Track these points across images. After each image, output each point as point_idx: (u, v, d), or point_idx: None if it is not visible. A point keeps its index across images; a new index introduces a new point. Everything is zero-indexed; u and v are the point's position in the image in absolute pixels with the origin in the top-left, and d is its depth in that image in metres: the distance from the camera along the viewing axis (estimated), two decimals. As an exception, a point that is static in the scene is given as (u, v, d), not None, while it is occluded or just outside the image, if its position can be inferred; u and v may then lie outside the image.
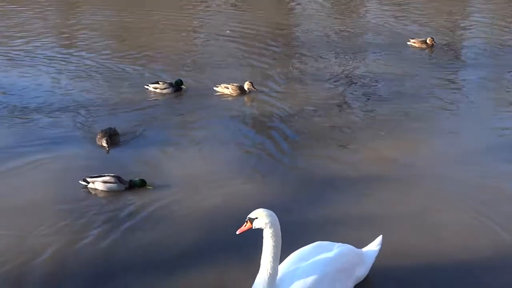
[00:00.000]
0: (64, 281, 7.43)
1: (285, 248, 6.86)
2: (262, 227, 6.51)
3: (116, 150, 11.26)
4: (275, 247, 6.49)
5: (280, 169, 10.56)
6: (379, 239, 7.33)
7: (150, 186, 9.74)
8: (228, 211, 8.83)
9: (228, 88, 14.60)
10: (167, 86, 14.55)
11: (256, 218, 6.51)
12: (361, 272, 7.11)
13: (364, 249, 7.32)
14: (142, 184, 9.71)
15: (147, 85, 14.69)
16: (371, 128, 12.40)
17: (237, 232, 6.69)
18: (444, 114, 13.32)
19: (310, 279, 6.56)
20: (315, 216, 8.80)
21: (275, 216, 6.55)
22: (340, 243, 7.09)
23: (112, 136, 11.29)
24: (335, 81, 15.37)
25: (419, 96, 14.24)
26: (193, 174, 10.30)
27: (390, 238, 7.63)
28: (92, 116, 13.01)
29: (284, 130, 12.35)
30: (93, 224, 8.65)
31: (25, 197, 9.34)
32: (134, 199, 9.44)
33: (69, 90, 14.63)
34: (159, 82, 14.66)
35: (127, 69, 16.33)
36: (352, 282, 6.99)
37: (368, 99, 14.15)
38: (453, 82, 15.62)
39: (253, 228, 6.55)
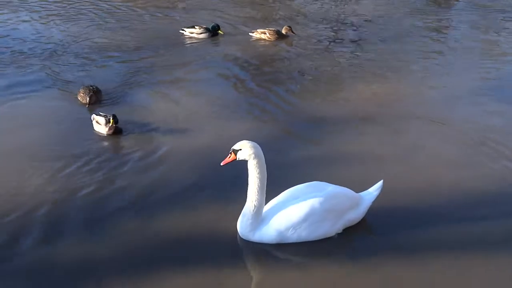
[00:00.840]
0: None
1: (280, 188, 6.91)
2: (246, 159, 6.49)
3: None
4: (259, 178, 6.51)
5: (274, 110, 10.41)
6: (379, 184, 7.04)
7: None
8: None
9: (265, 33, 14.26)
10: (203, 31, 14.22)
11: (240, 149, 6.50)
12: (354, 215, 6.91)
13: (362, 193, 7.07)
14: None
15: (183, 29, 14.36)
16: (360, 69, 12.37)
17: (221, 164, 6.66)
18: (431, 56, 13.26)
19: (295, 215, 6.58)
20: (308, 156, 8.65)
21: (259, 147, 6.53)
22: (336, 185, 6.94)
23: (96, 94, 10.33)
24: (325, 24, 15.50)
25: (406, 39, 14.32)
26: (198, 113, 10.15)
27: (382, 176, 7.43)
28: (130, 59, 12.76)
29: (275, 74, 12.20)
30: (92, 170, 8.29)
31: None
32: (132, 143, 9.12)
33: (107, 37, 14.32)
34: (195, 27, 14.32)
35: (158, 14, 15.96)
36: (342, 224, 6.82)
37: (356, 42, 14.10)
38: (443, 26, 15.67)
39: (237, 159, 6.54)
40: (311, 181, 7.03)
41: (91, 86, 10.31)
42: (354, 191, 7.08)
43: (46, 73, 11.70)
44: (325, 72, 12.29)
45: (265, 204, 6.74)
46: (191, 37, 14.21)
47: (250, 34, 14.41)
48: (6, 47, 13.15)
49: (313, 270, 6.39)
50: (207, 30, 14.27)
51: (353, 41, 14.22)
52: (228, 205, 7.26)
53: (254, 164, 6.48)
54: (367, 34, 14.81)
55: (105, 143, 9.07)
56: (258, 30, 14.42)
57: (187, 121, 9.73)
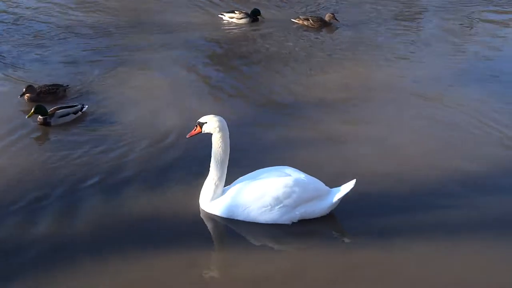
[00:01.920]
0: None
1: (247, 169, 6.93)
2: (211, 132, 6.55)
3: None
4: (222, 152, 6.57)
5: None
6: (351, 183, 6.61)
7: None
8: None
9: (308, 20, 13.69)
10: (243, 16, 13.71)
11: (206, 122, 6.56)
12: (315, 208, 6.63)
13: (333, 189, 6.73)
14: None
15: (222, 14, 13.87)
16: (334, 54, 12.22)
17: (187, 136, 6.79)
18: (404, 41, 13.04)
19: (247, 194, 6.56)
20: (279, 139, 8.52)
21: (224, 121, 6.59)
22: (306, 174, 6.71)
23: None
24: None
25: (381, 24, 14.12)
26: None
27: (356, 160, 7.68)
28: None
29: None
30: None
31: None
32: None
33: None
34: (235, 12, 13.81)
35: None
36: (299, 214, 6.59)
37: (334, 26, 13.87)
38: (417, 12, 15.38)
39: (203, 132, 6.61)
40: (280, 164, 6.91)
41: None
42: (327, 177, 6.90)
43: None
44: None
45: (234, 181, 6.80)
46: (230, 22, 13.72)
47: (292, 20, 13.85)
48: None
49: (276, 253, 6.35)
50: (247, 15, 13.76)
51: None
52: (197, 182, 6.99)
53: (218, 138, 6.54)
54: (345, 18, 14.30)
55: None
56: (300, 16, 13.86)
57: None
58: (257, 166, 6.96)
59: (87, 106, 9.09)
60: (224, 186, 6.79)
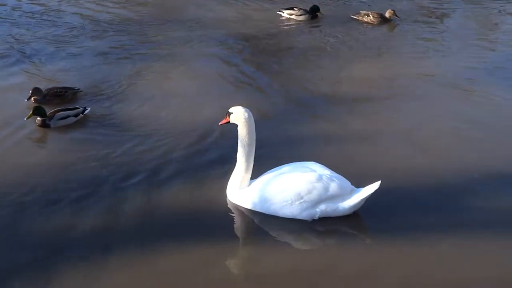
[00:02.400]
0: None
1: (275, 162, 6.93)
2: (237, 123, 6.64)
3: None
4: (247, 144, 6.64)
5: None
6: (376, 184, 6.43)
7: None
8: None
9: (368, 16, 13.46)
10: (303, 13, 13.60)
11: (232, 112, 6.66)
12: (336, 206, 6.50)
13: (358, 188, 6.59)
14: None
15: (281, 11, 13.78)
16: (356, 50, 12.05)
17: (219, 124, 6.92)
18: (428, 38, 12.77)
19: (269, 187, 6.58)
20: (304, 135, 8.42)
21: (250, 113, 6.63)
22: (331, 171, 6.62)
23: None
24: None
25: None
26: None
27: (383, 157, 7.68)
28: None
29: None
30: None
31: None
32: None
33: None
34: (294, 8, 13.71)
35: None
36: (321, 210, 6.50)
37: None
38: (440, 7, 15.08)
39: (230, 122, 6.72)
40: (307, 160, 6.88)
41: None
42: (354, 174, 6.87)
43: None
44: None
45: (264, 174, 6.82)
46: (289, 19, 13.62)
47: (352, 16, 13.65)
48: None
49: (301, 249, 6.32)
50: (306, 11, 13.64)
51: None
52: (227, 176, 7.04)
53: (243, 129, 6.61)
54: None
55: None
56: (361, 12, 13.64)
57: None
58: (285, 161, 6.89)
59: (89, 109, 8.86)
60: (251, 179, 6.76)
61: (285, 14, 13.69)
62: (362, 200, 6.48)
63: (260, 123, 7.17)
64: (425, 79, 10.48)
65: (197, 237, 6.31)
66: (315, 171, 6.58)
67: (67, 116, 8.64)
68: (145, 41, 12.23)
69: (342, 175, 6.65)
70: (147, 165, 7.56)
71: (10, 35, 12.28)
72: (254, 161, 6.74)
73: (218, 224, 6.54)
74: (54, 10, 13.98)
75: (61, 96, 9.34)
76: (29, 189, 6.97)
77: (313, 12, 13.65)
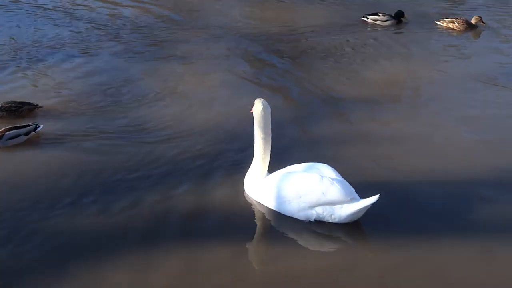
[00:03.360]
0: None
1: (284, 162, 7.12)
2: (254, 115, 6.83)
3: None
4: (261, 137, 6.84)
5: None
6: (374, 197, 6.37)
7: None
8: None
9: (453, 23, 13.47)
10: (388, 18, 13.69)
11: (254, 104, 6.87)
12: (333, 212, 6.52)
13: (360, 198, 6.55)
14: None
15: (365, 17, 13.89)
16: (374, 52, 12.17)
17: (250, 111, 6.99)
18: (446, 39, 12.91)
19: (271, 183, 6.78)
20: (321, 136, 8.59)
21: (266, 106, 6.80)
22: (338, 176, 6.68)
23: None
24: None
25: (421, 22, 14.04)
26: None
27: (398, 159, 7.80)
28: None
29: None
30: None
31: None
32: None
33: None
34: (379, 14, 13.80)
35: None
36: (317, 213, 6.56)
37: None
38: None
39: (251, 112, 6.91)
40: (322, 161, 6.99)
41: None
42: (368, 176, 7.16)
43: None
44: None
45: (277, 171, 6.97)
46: (374, 25, 13.72)
47: (436, 22, 13.69)
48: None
49: (316, 250, 6.42)
50: (391, 17, 13.73)
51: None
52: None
53: (256, 120, 6.81)
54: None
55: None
56: (445, 19, 13.67)
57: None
58: (300, 161, 7.04)
59: (42, 126, 8.35)
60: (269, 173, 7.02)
61: (370, 19, 13.80)
62: (358, 210, 6.45)
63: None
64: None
65: (211, 237, 6.38)
66: (320, 173, 6.64)
67: (18, 135, 8.17)
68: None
69: (355, 179, 6.78)
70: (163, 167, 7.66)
71: (13, 38, 12.32)
72: (272, 157, 6.96)
73: (232, 224, 6.61)
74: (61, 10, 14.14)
75: (15, 112, 8.87)
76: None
77: (398, 18, 13.74)
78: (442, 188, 7.28)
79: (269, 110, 6.82)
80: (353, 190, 6.57)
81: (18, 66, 10.81)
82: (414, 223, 6.70)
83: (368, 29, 13.56)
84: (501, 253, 6.27)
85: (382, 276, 5.97)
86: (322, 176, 6.54)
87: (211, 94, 9.87)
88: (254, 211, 6.91)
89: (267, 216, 6.83)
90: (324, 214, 6.54)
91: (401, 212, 6.86)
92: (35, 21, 13.37)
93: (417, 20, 14.10)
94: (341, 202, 6.46)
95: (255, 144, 6.92)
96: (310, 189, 6.52)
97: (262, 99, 6.87)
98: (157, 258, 6.10)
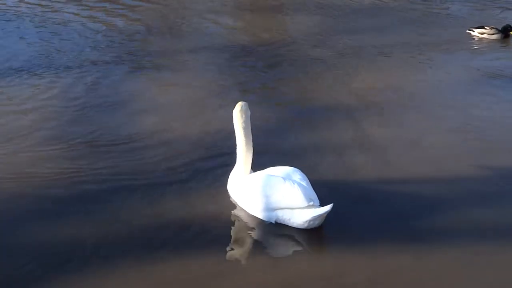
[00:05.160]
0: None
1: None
2: (234, 118, 7.02)
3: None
4: (244, 140, 7.00)
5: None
6: (327, 207, 6.40)
7: None
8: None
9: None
10: (495, 32, 13.21)
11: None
12: (292, 216, 6.58)
13: (318, 206, 6.55)
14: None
15: (471, 30, 13.47)
16: (357, 58, 12.01)
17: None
18: (424, 48, 12.59)
19: (247, 184, 6.90)
20: (307, 142, 8.58)
21: (245, 108, 6.96)
22: (302, 182, 6.71)
23: None
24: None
25: (402, 29, 13.88)
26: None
27: (388, 164, 7.88)
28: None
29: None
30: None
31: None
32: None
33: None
34: (485, 27, 13.35)
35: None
36: (277, 216, 6.66)
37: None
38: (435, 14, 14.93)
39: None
40: (303, 166, 7.13)
41: None
42: (358, 182, 7.36)
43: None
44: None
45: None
46: (481, 38, 13.28)
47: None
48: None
49: (305, 258, 6.34)
50: (498, 30, 13.25)
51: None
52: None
53: (238, 123, 7.00)
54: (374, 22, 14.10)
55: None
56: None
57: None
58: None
59: None
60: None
61: (476, 33, 13.36)
62: (312, 218, 6.46)
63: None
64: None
65: (202, 246, 6.35)
66: (288, 176, 6.71)
67: None
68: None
69: (332, 186, 7.18)
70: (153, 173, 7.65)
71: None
72: (254, 163, 7.12)
73: (223, 232, 6.61)
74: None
75: None
76: None
77: (505, 31, 13.25)
78: (432, 193, 7.31)
79: (249, 113, 7.03)
80: (314, 197, 6.61)
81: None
82: (401, 229, 6.66)
83: (474, 41, 13.16)
84: (489, 261, 6.22)
85: (365, 284, 5.90)
86: (285, 179, 6.64)
87: (192, 106, 9.73)
88: (241, 221, 6.87)
89: (255, 225, 6.77)
90: (284, 217, 6.63)
91: (389, 217, 6.87)
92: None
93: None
94: (299, 207, 6.52)
95: (237, 146, 7.10)
96: (272, 191, 6.65)
97: (243, 102, 7.05)
98: (144, 270, 6.03)
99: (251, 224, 6.80)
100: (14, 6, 14.86)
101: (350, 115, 9.46)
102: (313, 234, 6.57)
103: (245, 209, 6.93)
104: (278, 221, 6.69)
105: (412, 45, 12.79)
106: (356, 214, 6.91)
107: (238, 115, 6.99)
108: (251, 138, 7.08)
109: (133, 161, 7.99)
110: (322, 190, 6.95)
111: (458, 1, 16.14)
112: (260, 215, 6.79)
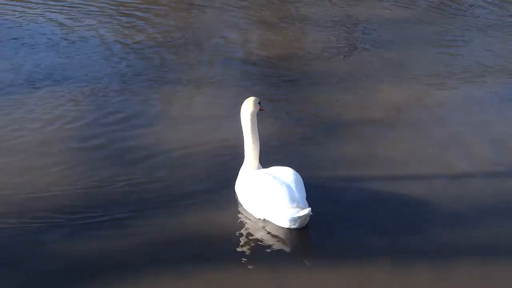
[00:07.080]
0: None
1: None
2: (241, 114, 7.15)
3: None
4: (247, 135, 7.16)
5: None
6: (306, 210, 6.57)
7: None
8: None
9: None
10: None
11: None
12: (277, 215, 6.76)
13: (303, 208, 6.69)
14: None
15: None
16: (376, 73, 11.70)
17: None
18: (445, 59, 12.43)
19: (244, 179, 7.15)
20: (323, 155, 8.63)
21: (253, 103, 7.07)
22: (293, 182, 6.84)
23: None
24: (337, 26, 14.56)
25: (422, 43, 13.28)
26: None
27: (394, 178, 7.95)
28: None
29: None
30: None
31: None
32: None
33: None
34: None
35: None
36: (264, 213, 6.88)
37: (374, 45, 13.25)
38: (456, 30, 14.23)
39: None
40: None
41: None
42: (364, 193, 7.54)
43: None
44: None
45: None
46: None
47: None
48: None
49: (296, 266, 6.38)
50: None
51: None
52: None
53: (242, 119, 7.16)
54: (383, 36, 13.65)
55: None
56: None
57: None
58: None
59: None
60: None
61: None
62: (293, 219, 6.63)
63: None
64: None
65: (205, 261, 6.38)
66: (280, 176, 6.89)
67: None
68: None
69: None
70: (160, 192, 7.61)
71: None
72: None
73: (227, 246, 6.62)
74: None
75: None
76: None
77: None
78: (418, 207, 7.44)
79: (252, 109, 7.12)
80: (301, 199, 6.73)
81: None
82: (394, 245, 6.72)
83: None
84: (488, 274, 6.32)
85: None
86: (275, 178, 6.79)
87: (211, 120, 9.71)
88: (247, 231, 6.90)
89: (262, 234, 6.84)
90: (270, 215, 6.83)
91: (387, 228, 6.99)
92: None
93: None
94: (283, 207, 6.66)
95: (244, 143, 7.24)
96: (262, 188, 6.81)
97: (253, 97, 7.19)
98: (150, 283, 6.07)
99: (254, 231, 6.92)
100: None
101: (370, 130, 9.44)
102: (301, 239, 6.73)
103: (240, 204, 7.17)
104: (266, 219, 6.91)
105: (437, 62, 12.48)
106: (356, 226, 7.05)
107: (242, 112, 7.14)
108: (258, 135, 7.23)
109: (150, 175, 8.03)
110: (324, 197, 7.32)
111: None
112: (250, 210, 7.04)
